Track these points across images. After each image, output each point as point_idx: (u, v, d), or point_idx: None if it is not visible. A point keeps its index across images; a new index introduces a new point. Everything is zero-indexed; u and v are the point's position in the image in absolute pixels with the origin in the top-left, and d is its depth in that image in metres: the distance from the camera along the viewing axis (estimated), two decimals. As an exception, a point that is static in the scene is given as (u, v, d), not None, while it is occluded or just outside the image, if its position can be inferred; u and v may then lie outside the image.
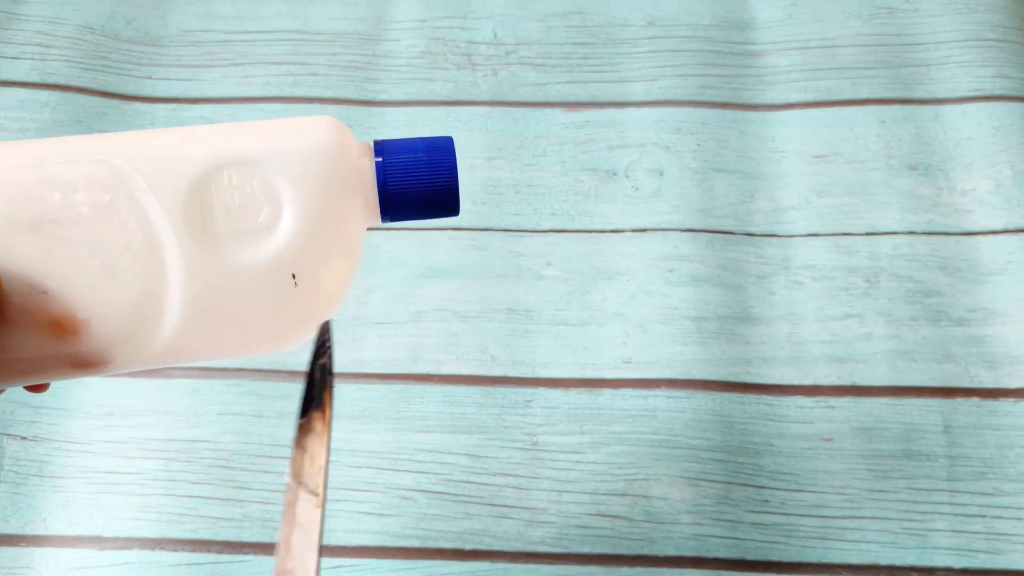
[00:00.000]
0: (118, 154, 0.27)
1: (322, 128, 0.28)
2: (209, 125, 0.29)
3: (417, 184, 0.29)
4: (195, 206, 0.27)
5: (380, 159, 0.29)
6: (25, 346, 0.27)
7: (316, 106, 0.58)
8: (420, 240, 0.52)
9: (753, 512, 0.43)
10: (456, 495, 0.43)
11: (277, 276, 0.28)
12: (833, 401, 0.46)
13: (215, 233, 0.27)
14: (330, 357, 0.28)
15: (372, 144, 0.29)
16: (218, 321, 0.28)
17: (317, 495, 0.24)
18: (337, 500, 0.44)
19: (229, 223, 0.27)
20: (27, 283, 0.26)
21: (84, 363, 0.27)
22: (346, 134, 0.28)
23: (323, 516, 0.25)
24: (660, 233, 0.52)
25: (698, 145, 0.55)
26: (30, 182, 0.26)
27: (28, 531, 0.43)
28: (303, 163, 0.27)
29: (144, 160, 0.27)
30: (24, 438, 0.46)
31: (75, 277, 0.27)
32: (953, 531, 0.43)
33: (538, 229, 0.53)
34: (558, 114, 0.57)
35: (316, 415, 0.26)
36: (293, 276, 0.28)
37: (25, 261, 0.26)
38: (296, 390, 0.47)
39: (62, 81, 0.58)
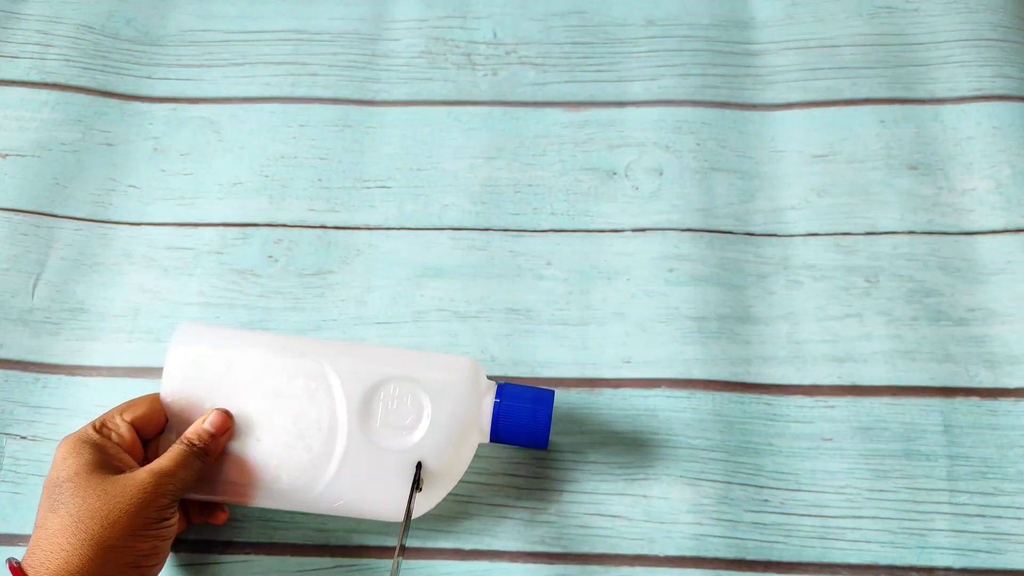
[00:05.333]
0: (329, 360, 0.40)
1: (464, 367, 0.41)
2: (387, 348, 0.44)
3: (519, 429, 0.41)
4: (366, 403, 0.40)
5: (499, 400, 0.40)
6: (227, 471, 0.40)
7: (316, 106, 0.58)
8: (420, 240, 0.52)
9: (753, 512, 0.43)
10: (456, 495, 0.43)
11: (406, 462, 0.40)
12: (833, 401, 0.46)
13: (373, 424, 0.40)
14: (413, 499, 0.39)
15: (496, 386, 0.41)
16: (357, 484, 0.40)
17: None
18: (337, 500, 0.44)
19: (385, 418, 0.40)
20: (249, 431, 0.40)
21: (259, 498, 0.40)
22: (480, 374, 0.41)
23: None
24: (660, 233, 0.52)
25: (698, 145, 0.55)
26: (274, 365, 0.40)
27: (28, 531, 0.43)
28: (445, 390, 0.40)
29: (344, 367, 0.40)
30: (24, 438, 0.46)
31: (279, 434, 0.40)
32: (953, 531, 0.43)
33: (538, 229, 0.53)
34: (558, 114, 0.57)
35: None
36: (419, 464, 0.39)
37: (254, 416, 0.40)
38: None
39: (62, 80, 0.58)
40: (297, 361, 0.40)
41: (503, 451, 0.45)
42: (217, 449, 0.39)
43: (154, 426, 0.40)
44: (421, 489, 0.39)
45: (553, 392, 0.41)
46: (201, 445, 0.38)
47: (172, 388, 0.40)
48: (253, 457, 0.40)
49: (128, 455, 0.38)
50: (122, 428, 0.39)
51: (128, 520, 0.35)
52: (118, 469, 0.37)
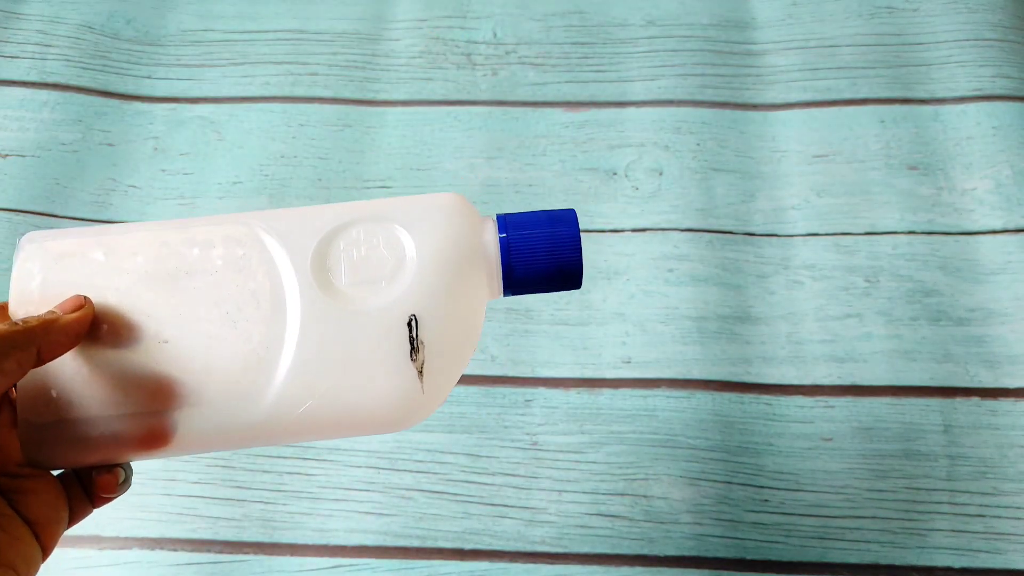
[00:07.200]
0: (257, 219, 0.28)
1: (445, 196, 0.29)
2: (338, 203, 0.29)
3: (541, 263, 0.29)
4: (321, 259, 0.28)
5: (504, 235, 0.29)
6: (126, 404, 0.26)
7: (316, 106, 0.58)
8: (420, 240, 0.52)
9: (753, 512, 0.43)
10: (456, 495, 0.43)
11: (392, 321, 0.27)
12: (833, 401, 0.46)
13: (338, 283, 0.27)
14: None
15: (495, 218, 0.29)
16: (328, 369, 0.27)
17: None
18: (337, 500, 0.44)
19: (353, 274, 0.28)
20: (147, 332, 0.26)
21: (173, 437, 0.26)
22: (469, 206, 0.29)
23: None
24: (660, 233, 0.52)
25: (698, 145, 0.55)
26: (175, 240, 0.27)
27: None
28: (426, 217, 0.28)
29: (279, 220, 0.28)
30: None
31: (198, 325, 0.27)
32: (953, 531, 0.43)
33: (538, 229, 0.53)
34: (558, 114, 0.57)
35: None
36: (412, 317, 0.27)
37: (154, 310, 0.27)
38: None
39: (62, 80, 0.58)
40: (212, 229, 0.28)
41: (500, 449, 0.45)
42: (49, 338, 0.24)
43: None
44: (418, 351, 0.27)
45: (573, 211, 0.30)
46: (25, 325, 0.24)
47: (24, 292, 0.26)
48: (159, 365, 0.26)
49: None
50: None
51: None
52: None
